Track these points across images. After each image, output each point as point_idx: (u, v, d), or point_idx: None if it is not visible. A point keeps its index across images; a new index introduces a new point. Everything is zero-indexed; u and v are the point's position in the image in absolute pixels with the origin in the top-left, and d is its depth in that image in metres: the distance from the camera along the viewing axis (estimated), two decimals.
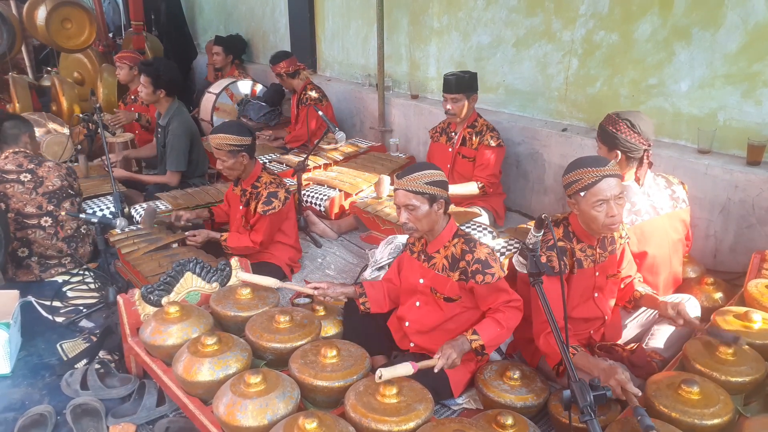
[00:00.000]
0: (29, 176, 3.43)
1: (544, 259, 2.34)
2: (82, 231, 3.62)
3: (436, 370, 2.21)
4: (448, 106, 3.84)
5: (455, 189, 3.79)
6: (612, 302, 2.61)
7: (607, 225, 2.31)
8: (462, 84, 3.80)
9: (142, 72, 4.36)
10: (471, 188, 3.84)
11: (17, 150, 3.48)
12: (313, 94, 5.12)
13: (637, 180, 2.74)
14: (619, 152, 2.69)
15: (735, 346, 2.18)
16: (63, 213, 3.47)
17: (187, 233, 3.42)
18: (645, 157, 2.70)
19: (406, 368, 2.07)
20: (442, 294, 2.46)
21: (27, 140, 3.56)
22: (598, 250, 2.46)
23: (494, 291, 2.38)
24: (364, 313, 2.67)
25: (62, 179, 3.52)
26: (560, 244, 2.42)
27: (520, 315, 2.41)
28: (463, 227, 3.49)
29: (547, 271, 2.30)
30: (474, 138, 3.87)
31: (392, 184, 3.79)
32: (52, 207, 3.47)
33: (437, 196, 2.36)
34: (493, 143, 3.82)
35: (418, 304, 2.56)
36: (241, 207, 3.42)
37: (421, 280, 2.50)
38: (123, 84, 5.79)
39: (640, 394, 2.04)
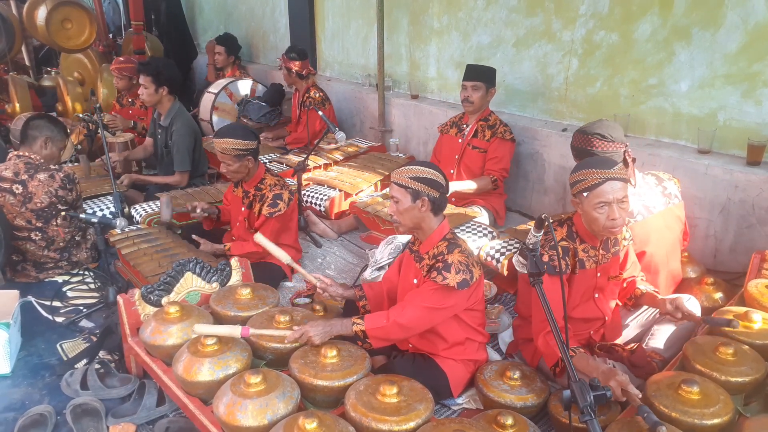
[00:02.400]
0: (20, 188, 3.32)
1: (546, 258, 2.34)
2: (77, 239, 3.56)
3: (286, 342, 2.29)
4: (467, 94, 3.85)
5: (467, 185, 3.79)
6: (613, 304, 2.61)
7: (607, 227, 2.31)
8: (483, 73, 3.85)
9: (141, 73, 4.30)
10: (484, 182, 3.84)
11: (21, 154, 3.40)
12: (317, 96, 5.10)
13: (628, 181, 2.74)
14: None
15: (730, 328, 2.21)
16: (56, 223, 3.40)
17: (194, 237, 3.40)
18: (627, 157, 2.69)
19: (235, 330, 2.22)
20: None
21: (41, 144, 3.43)
22: (600, 251, 2.46)
23: (425, 288, 2.32)
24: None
25: (51, 195, 3.37)
26: (563, 243, 2.41)
27: (419, 321, 2.31)
28: (462, 227, 3.50)
29: (549, 271, 2.30)
30: (487, 131, 3.89)
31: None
32: (40, 224, 3.38)
33: (421, 192, 2.33)
34: (507, 137, 3.86)
35: None
36: (243, 209, 3.41)
37: (415, 281, 2.49)
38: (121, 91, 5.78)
39: (640, 395, 2.04)
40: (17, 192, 3.33)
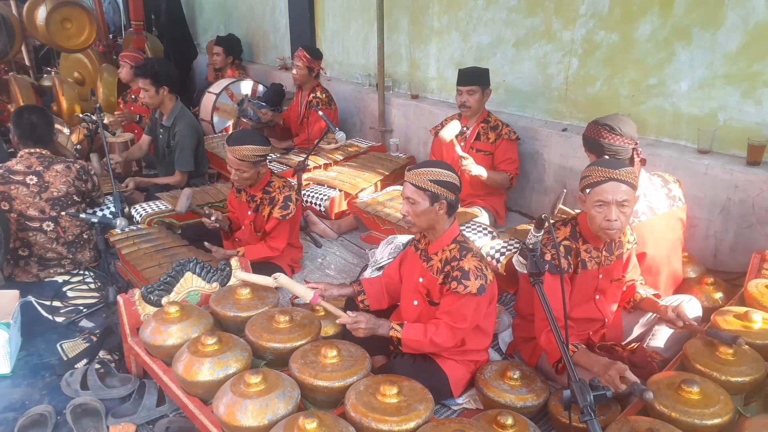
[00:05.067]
0: (35, 179, 3.39)
1: (548, 257, 2.34)
2: (84, 236, 3.60)
3: (337, 321, 2.43)
4: (464, 99, 3.85)
5: (491, 174, 3.79)
6: (614, 306, 2.61)
7: (603, 228, 2.31)
8: (477, 76, 3.85)
9: (138, 76, 4.29)
10: (504, 177, 3.87)
11: (33, 151, 3.45)
12: (323, 96, 5.08)
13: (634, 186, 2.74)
14: (607, 157, 2.69)
15: (735, 346, 2.18)
16: (63, 213, 3.45)
17: (206, 244, 3.35)
18: (635, 156, 2.71)
19: (308, 293, 2.46)
20: (430, 298, 2.47)
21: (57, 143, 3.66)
22: (603, 252, 2.46)
23: (451, 302, 2.34)
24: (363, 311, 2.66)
25: (69, 185, 3.47)
26: (566, 243, 2.42)
27: (452, 340, 2.34)
28: (463, 227, 3.50)
29: (550, 270, 2.31)
30: (490, 132, 3.89)
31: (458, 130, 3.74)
32: (54, 213, 3.44)
33: (440, 195, 2.33)
34: (512, 137, 3.88)
35: (416, 303, 2.55)
36: (249, 213, 3.40)
37: (421, 279, 2.50)
38: (124, 83, 5.79)
39: (638, 381, 2.05)
40: (31, 183, 3.39)
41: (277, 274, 2.47)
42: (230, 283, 2.84)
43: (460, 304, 2.31)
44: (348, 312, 2.41)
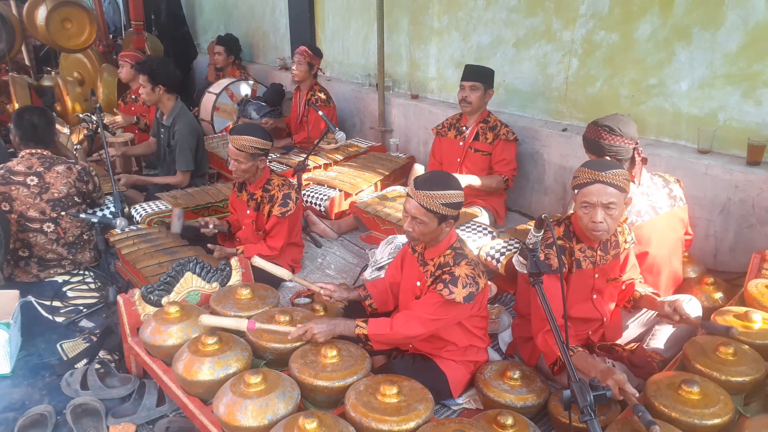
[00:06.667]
0: (36, 180, 3.38)
1: (543, 257, 2.34)
2: (84, 237, 3.59)
3: (289, 338, 2.29)
4: (465, 94, 3.84)
5: (484, 180, 3.82)
6: (612, 305, 2.61)
7: (589, 229, 2.32)
8: (482, 73, 3.84)
9: (138, 72, 4.33)
10: (498, 180, 3.88)
11: (34, 151, 3.44)
12: (322, 95, 5.09)
13: (633, 179, 2.74)
14: (608, 158, 2.69)
15: (728, 336, 2.19)
16: (63, 213, 3.45)
17: (210, 246, 3.32)
18: (636, 155, 2.71)
19: (241, 324, 2.26)
20: None
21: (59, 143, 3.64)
22: (599, 252, 2.46)
23: (430, 299, 2.32)
24: (371, 315, 2.66)
25: (70, 186, 3.46)
26: (559, 242, 2.42)
27: (419, 330, 2.31)
28: (462, 227, 3.50)
29: (546, 270, 2.31)
30: (489, 133, 3.89)
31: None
32: (55, 214, 3.43)
33: (449, 216, 2.32)
34: (510, 138, 3.87)
35: None
36: (249, 211, 3.40)
37: (418, 283, 2.50)
38: (124, 83, 5.79)
39: (638, 394, 2.04)
40: (31, 183, 3.38)
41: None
42: (230, 283, 2.84)
43: (439, 305, 2.29)
44: (297, 324, 2.32)
